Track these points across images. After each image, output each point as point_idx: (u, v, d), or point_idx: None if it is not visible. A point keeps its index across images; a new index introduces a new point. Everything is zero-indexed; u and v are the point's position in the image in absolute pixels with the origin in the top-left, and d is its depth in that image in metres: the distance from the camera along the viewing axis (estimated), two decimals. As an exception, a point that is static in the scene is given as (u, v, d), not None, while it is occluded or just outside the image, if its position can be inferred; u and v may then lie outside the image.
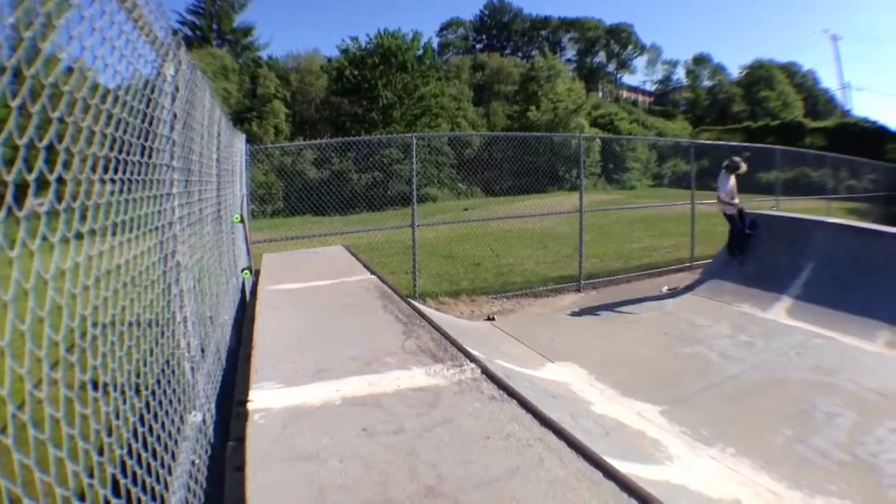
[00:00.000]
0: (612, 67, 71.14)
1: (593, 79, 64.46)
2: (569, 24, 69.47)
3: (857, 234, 7.63)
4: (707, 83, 67.90)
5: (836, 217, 12.31)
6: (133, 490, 1.40)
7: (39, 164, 1.08)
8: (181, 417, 2.14)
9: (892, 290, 6.46)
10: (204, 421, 2.49)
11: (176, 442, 1.97)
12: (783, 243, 8.26)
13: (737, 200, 8.77)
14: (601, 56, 70.22)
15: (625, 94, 70.15)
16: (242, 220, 6.60)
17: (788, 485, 3.57)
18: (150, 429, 1.67)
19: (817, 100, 63.00)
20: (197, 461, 2.23)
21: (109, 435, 1.33)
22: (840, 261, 7.36)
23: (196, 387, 2.46)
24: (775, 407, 4.66)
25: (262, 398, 2.63)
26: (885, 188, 24.17)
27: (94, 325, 1.33)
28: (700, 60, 69.19)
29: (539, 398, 3.03)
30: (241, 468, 2.12)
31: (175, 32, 2.43)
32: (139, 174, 1.81)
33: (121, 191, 1.59)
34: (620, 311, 8.04)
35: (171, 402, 1.95)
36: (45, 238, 1.10)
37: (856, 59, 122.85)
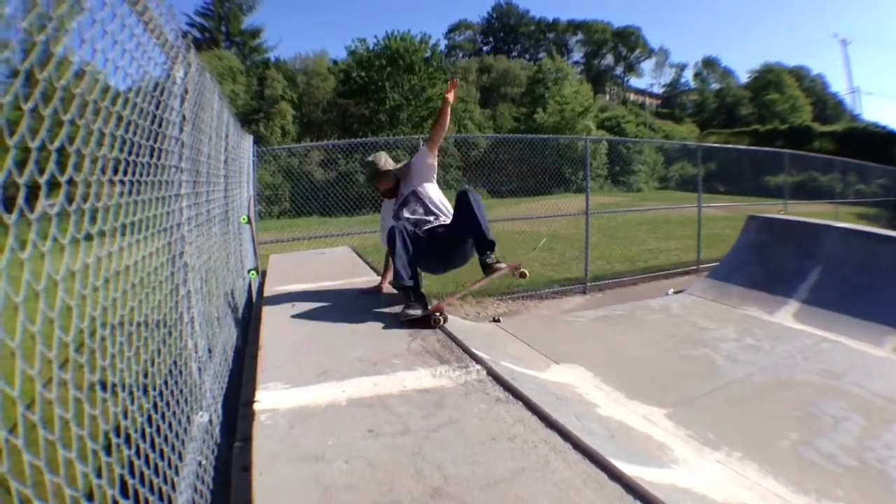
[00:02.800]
0: (619, 70, 71.06)
1: (600, 81, 64.39)
2: (576, 27, 69.42)
3: (865, 239, 7.56)
4: (715, 86, 67.72)
5: (845, 221, 12.25)
6: (141, 490, 1.41)
7: (51, 166, 1.09)
8: (188, 418, 2.15)
9: (901, 295, 6.41)
10: (210, 421, 2.50)
11: (183, 442, 1.98)
12: (790, 247, 8.20)
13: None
14: (609, 59, 70.14)
15: (632, 96, 69.98)
16: (249, 221, 6.63)
17: (795, 489, 3.54)
18: (158, 429, 1.68)
19: (826, 104, 62.66)
20: (203, 461, 2.24)
21: (118, 435, 1.34)
22: (848, 265, 7.30)
23: (203, 387, 2.47)
24: (782, 410, 4.63)
25: (269, 399, 2.63)
26: (895, 193, 24.02)
27: (103, 325, 1.34)
28: (709, 63, 69.04)
29: (544, 400, 3.02)
30: (247, 468, 2.12)
31: (185, 35, 2.44)
32: (148, 175, 1.82)
33: (130, 192, 1.60)
34: (626, 314, 8.01)
35: (178, 402, 1.96)
36: (55, 239, 1.11)
37: (865, 63, 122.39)
